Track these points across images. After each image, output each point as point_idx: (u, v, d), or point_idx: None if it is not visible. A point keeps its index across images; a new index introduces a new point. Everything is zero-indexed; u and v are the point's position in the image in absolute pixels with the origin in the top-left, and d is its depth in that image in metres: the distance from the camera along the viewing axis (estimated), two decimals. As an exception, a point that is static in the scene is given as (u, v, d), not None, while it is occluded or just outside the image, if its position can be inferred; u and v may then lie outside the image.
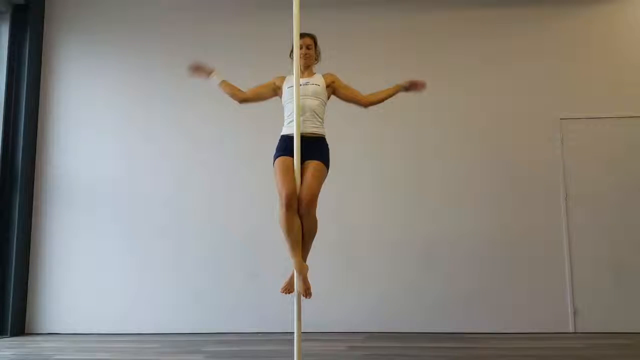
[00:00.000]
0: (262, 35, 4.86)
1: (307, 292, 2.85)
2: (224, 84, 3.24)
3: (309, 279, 2.89)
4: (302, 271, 2.86)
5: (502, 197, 4.67)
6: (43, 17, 5.07)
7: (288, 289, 2.98)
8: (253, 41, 4.92)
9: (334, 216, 4.52)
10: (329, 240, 4.38)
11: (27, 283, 4.75)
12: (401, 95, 4.82)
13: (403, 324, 4.52)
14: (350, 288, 4.62)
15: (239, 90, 3.25)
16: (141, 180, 4.86)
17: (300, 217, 2.91)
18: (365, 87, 4.82)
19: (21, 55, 4.91)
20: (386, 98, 3.30)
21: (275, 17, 4.24)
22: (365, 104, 3.29)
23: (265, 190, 4.41)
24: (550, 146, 4.69)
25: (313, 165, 2.98)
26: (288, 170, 2.93)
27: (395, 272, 4.61)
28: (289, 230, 2.86)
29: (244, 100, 3.25)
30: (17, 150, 4.79)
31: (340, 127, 4.54)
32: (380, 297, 4.59)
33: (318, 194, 2.95)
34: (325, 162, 3.05)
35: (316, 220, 2.97)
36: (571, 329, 4.44)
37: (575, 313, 4.46)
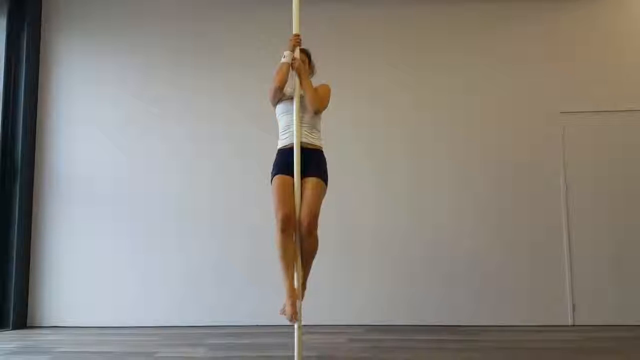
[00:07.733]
0: (263, 34, 4.84)
1: (292, 317, 2.77)
2: (286, 66, 3.01)
3: (305, 291, 2.89)
4: (292, 297, 2.80)
5: (502, 193, 4.67)
6: (41, 12, 5.03)
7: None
8: (253, 40, 4.89)
9: (335, 214, 4.50)
10: (331, 235, 4.38)
11: (28, 277, 4.77)
12: (401, 95, 4.87)
13: (403, 317, 4.54)
14: (350, 282, 4.63)
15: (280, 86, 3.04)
16: (141, 177, 4.85)
17: (302, 239, 2.85)
18: (365, 86, 4.86)
19: (19, 50, 4.88)
20: (305, 87, 3.01)
21: (275, 16, 4.20)
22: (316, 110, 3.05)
23: (266, 186, 4.41)
24: (551, 140, 4.70)
25: (312, 183, 2.91)
26: (286, 191, 2.87)
27: (396, 267, 4.62)
28: (283, 254, 2.84)
29: (277, 91, 3.06)
30: (16, 146, 4.78)
31: (341, 127, 4.56)
32: (381, 291, 4.60)
33: (319, 213, 2.89)
34: (325, 178, 2.99)
35: (318, 241, 2.92)
36: (570, 322, 4.47)
37: (574, 306, 4.49)
